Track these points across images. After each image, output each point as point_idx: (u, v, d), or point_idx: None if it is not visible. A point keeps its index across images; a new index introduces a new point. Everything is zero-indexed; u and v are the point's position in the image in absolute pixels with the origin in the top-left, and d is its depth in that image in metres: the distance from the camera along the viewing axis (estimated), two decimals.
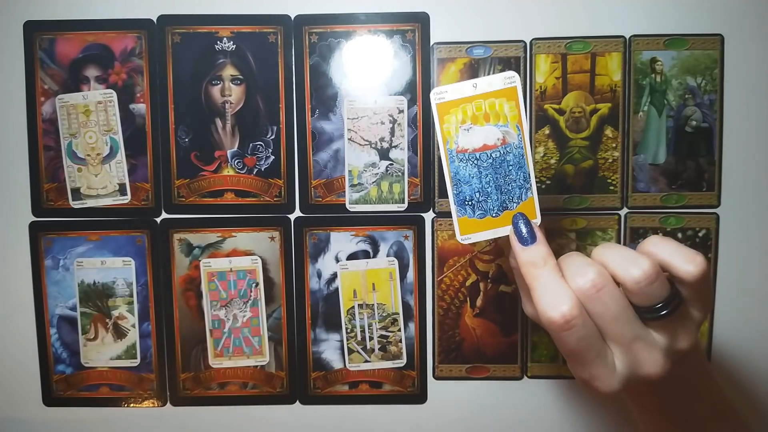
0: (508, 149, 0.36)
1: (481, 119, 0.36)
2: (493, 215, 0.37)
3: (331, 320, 0.57)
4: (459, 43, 0.54)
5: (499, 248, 0.56)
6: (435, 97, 0.37)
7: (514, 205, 0.37)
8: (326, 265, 0.56)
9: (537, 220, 0.37)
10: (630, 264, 0.33)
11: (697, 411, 0.39)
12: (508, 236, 0.37)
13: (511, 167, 0.37)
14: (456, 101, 0.37)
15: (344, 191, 0.55)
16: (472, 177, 0.37)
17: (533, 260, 0.35)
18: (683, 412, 0.39)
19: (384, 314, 0.56)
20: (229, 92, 0.55)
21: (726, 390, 0.56)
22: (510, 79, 0.36)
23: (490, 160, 0.37)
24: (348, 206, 0.55)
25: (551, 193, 0.55)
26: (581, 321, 0.32)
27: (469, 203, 0.37)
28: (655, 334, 0.33)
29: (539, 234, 0.35)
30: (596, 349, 0.32)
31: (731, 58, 0.54)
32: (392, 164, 0.55)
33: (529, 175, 0.37)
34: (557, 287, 0.33)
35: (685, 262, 0.33)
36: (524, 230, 0.36)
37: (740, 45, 0.54)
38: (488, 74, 0.54)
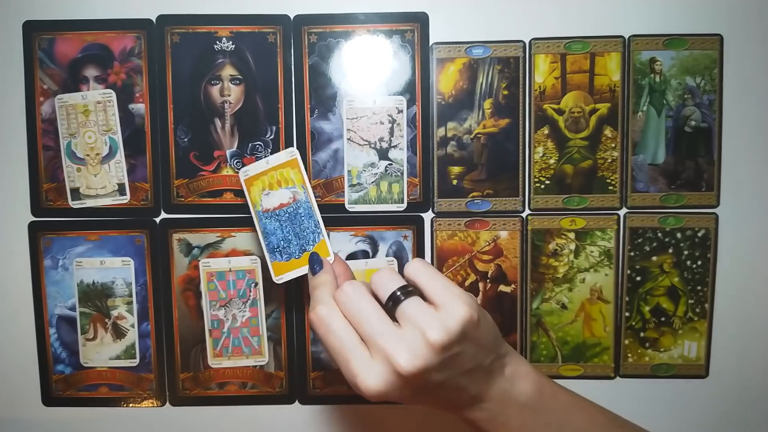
0: (298, 204, 0.46)
1: (276, 185, 0.47)
2: (296, 257, 0.46)
3: None
4: (458, 43, 0.54)
5: (498, 248, 0.56)
6: (242, 174, 0.48)
7: (311, 246, 0.46)
8: None
9: (330, 258, 0.45)
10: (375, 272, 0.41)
11: None
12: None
13: (303, 218, 0.46)
14: (257, 175, 0.47)
15: (343, 191, 0.55)
16: (276, 229, 0.47)
17: (315, 283, 0.42)
18: None
19: None
20: (228, 92, 0.55)
21: (725, 391, 0.56)
22: (291, 153, 0.47)
23: (287, 215, 0.46)
24: (347, 206, 0.55)
25: (550, 193, 0.55)
26: (331, 319, 0.38)
27: (277, 250, 0.47)
28: (407, 331, 0.36)
29: (327, 265, 0.44)
30: (351, 345, 0.37)
31: (730, 58, 0.54)
32: (391, 164, 0.55)
33: (318, 222, 0.46)
34: (323, 296, 0.40)
35: (407, 264, 0.40)
36: (315, 264, 0.44)
37: (739, 45, 0.54)
38: (487, 74, 0.54)
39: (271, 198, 0.47)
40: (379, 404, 0.57)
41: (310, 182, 0.46)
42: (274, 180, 0.47)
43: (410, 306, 0.37)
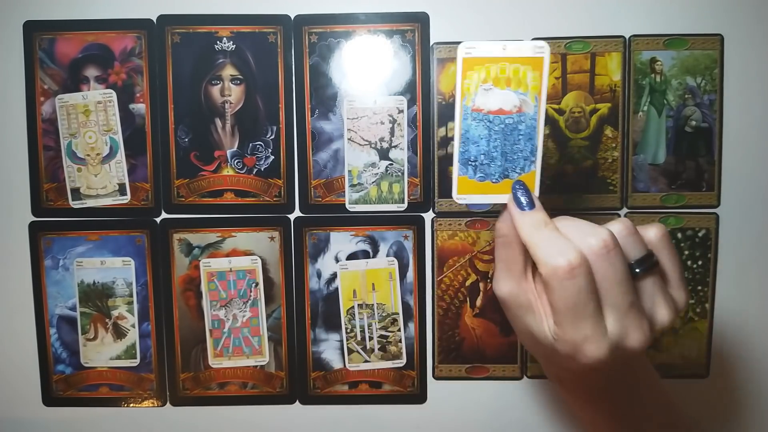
0: (522, 118, 0.36)
1: (503, 82, 0.36)
2: (494, 180, 0.37)
3: (330, 320, 0.57)
4: (459, 42, 0.54)
5: None
6: (463, 50, 0.36)
7: (516, 174, 0.37)
8: (326, 265, 0.56)
9: (536, 193, 0.37)
10: (611, 222, 0.35)
11: (645, 422, 0.39)
12: (504, 204, 0.38)
13: (521, 137, 0.37)
14: (482, 59, 0.36)
15: (344, 191, 0.55)
16: (481, 138, 0.37)
17: (534, 223, 0.35)
18: (630, 421, 0.39)
19: (384, 314, 0.56)
20: (229, 92, 0.55)
21: (725, 391, 0.56)
22: (540, 48, 0.36)
23: (503, 125, 0.37)
24: (348, 206, 0.55)
25: (551, 193, 0.55)
26: (585, 270, 0.32)
27: (472, 163, 0.37)
28: (644, 305, 0.34)
29: (538, 202, 0.36)
30: (594, 305, 0.33)
31: (731, 58, 0.54)
32: (392, 164, 0.55)
33: (536, 148, 0.37)
34: (562, 241, 0.33)
35: (645, 227, 0.36)
36: (523, 198, 0.36)
37: (740, 45, 0.54)
38: None
39: (490, 96, 0.37)
40: (378, 405, 0.57)
41: (546, 94, 0.36)
42: (504, 74, 0.36)
43: (656, 282, 0.35)
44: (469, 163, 0.38)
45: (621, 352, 0.34)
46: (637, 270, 0.34)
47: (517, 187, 0.37)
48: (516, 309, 0.37)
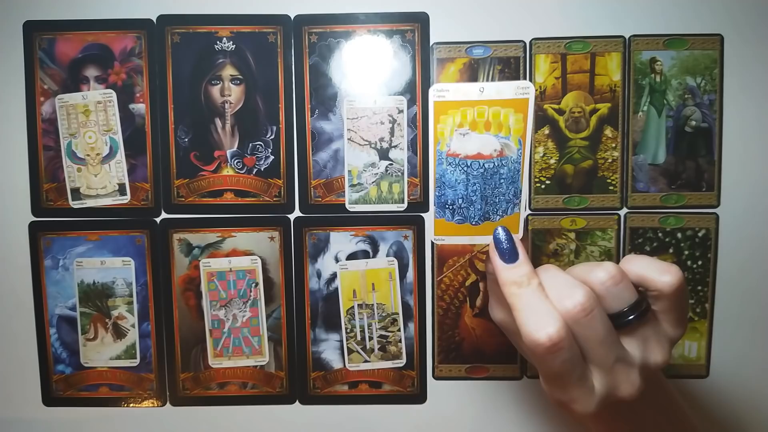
0: (503, 162, 0.34)
1: (481, 126, 0.33)
2: (473, 223, 0.35)
3: (330, 320, 0.57)
4: (458, 43, 0.54)
5: None
6: (435, 93, 0.33)
7: (498, 217, 0.35)
8: (326, 265, 0.56)
9: (519, 235, 0.35)
10: (596, 268, 0.33)
11: None
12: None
13: (502, 180, 0.34)
14: (457, 102, 0.33)
15: (344, 191, 0.55)
16: (459, 183, 0.35)
17: (516, 280, 0.33)
18: None
19: (383, 314, 0.56)
20: (229, 92, 0.55)
21: (725, 391, 0.56)
22: (524, 89, 0.33)
23: (482, 170, 0.34)
24: (347, 206, 0.55)
25: (550, 193, 0.55)
26: (568, 344, 0.31)
27: (450, 207, 0.35)
28: (634, 351, 0.33)
29: (521, 251, 0.34)
30: (579, 372, 0.32)
31: (731, 58, 0.54)
32: (392, 164, 0.55)
33: (519, 191, 0.34)
34: (543, 308, 0.32)
35: (661, 272, 0.33)
36: (506, 246, 0.34)
37: (740, 45, 0.54)
38: (487, 75, 0.54)
39: (467, 141, 0.34)
40: (378, 405, 0.57)
41: (532, 134, 0.33)
42: (482, 118, 0.33)
43: (647, 329, 0.34)
44: (447, 207, 0.35)
45: (612, 401, 0.33)
46: (625, 320, 0.33)
47: (500, 236, 0.34)
48: (510, 334, 0.39)
